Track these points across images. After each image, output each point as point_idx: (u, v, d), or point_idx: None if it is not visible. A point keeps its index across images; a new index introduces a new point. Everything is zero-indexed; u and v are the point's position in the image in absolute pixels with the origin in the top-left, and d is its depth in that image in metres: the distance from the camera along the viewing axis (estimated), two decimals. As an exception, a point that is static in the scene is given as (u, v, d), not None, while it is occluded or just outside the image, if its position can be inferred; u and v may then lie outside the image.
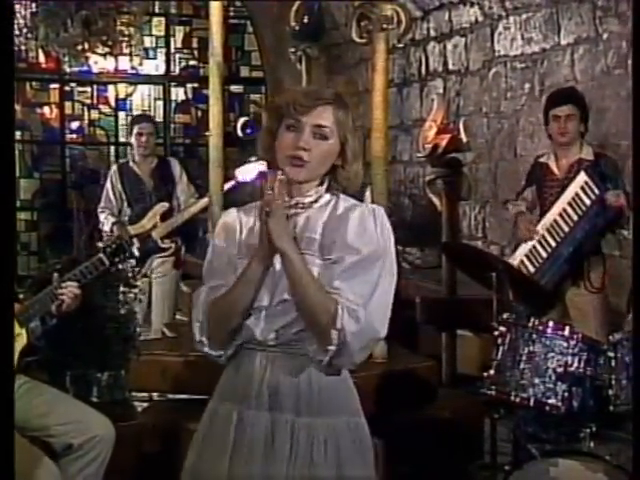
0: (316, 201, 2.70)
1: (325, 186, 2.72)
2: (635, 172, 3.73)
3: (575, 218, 5.24)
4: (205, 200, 6.65)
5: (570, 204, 5.25)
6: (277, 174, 2.54)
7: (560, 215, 5.29)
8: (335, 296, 2.52)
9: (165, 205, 7.00)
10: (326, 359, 2.54)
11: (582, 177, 5.22)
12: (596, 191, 5.15)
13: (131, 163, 7.31)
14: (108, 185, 7.27)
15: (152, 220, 6.91)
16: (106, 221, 7.09)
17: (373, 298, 2.57)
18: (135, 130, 7.21)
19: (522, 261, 5.41)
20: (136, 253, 4.05)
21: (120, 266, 4.30)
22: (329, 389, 2.67)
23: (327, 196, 2.72)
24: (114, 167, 7.59)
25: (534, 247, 5.39)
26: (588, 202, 5.18)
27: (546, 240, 5.35)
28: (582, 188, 5.20)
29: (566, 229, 5.27)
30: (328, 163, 2.68)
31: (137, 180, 7.20)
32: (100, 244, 4.09)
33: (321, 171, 2.69)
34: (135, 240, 4.06)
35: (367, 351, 2.64)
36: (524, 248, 5.45)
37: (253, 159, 6.62)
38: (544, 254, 5.35)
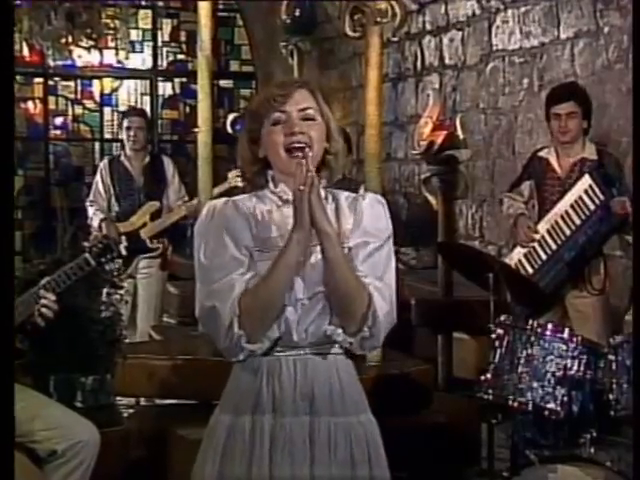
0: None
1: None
2: (635, 171, 3.74)
3: (578, 222, 5.24)
4: (196, 202, 6.66)
5: (573, 207, 5.25)
6: (306, 151, 2.58)
7: (562, 217, 5.29)
8: (363, 279, 2.58)
9: (156, 204, 7.00)
10: (357, 343, 2.61)
11: (586, 180, 5.21)
12: (601, 197, 5.15)
13: (122, 158, 7.29)
14: (98, 179, 7.27)
15: (142, 219, 6.92)
16: (94, 216, 7.08)
17: (388, 281, 2.67)
18: (125, 124, 7.22)
19: (520, 261, 5.41)
20: (123, 253, 4.04)
21: (107, 267, 4.28)
22: (355, 386, 2.76)
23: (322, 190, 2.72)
24: (105, 160, 7.59)
25: (533, 248, 5.39)
26: (592, 207, 5.18)
27: (546, 242, 5.35)
28: (586, 192, 5.20)
29: (568, 232, 5.27)
30: (322, 145, 2.73)
31: (127, 176, 7.19)
32: (86, 243, 4.08)
33: (319, 156, 2.72)
34: (123, 239, 4.06)
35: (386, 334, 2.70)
36: (521, 250, 5.46)
37: None
38: (544, 256, 5.36)
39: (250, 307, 2.58)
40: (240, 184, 6.72)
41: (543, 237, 5.37)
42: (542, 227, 5.39)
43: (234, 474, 2.68)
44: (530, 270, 5.38)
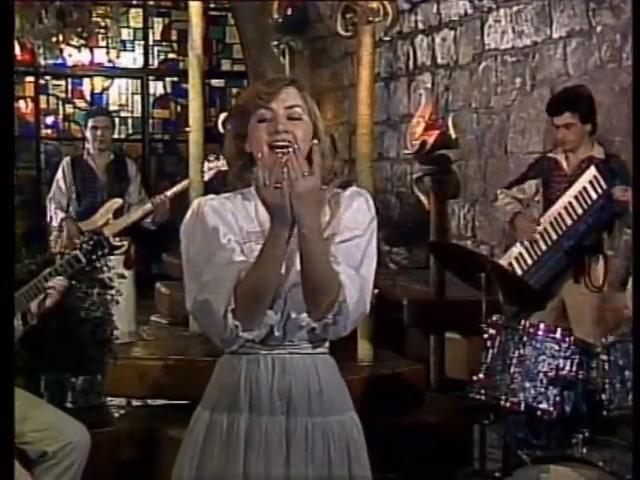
0: None
1: None
2: (635, 171, 3.74)
3: (580, 211, 5.25)
4: (156, 199, 6.68)
5: (576, 197, 5.27)
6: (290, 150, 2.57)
7: (565, 208, 5.31)
8: (335, 265, 2.58)
9: (119, 201, 6.95)
10: (320, 328, 2.59)
11: (592, 171, 5.24)
12: (604, 186, 5.17)
13: (86, 156, 7.28)
14: (59, 176, 7.23)
15: (104, 216, 6.87)
16: (55, 215, 7.05)
17: (364, 272, 2.65)
18: (90, 123, 7.19)
19: (520, 254, 5.42)
20: (115, 249, 4.01)
21: (97, 264, 4.23)
22: (336, 386, 2.75)
23: None
24: (67, 159, 7.53)
25: (535, 240, 5.40)
26: (595, 196, 5.20)
27: (548, 233, 5.37)
28: (590, 182, 5.22)
29: (569, 222, 5.29)
30: (308, 144, 2.70)
31: (91, 174, 7.18)
32: (76, 240, 4.05)
33: (304, 155, 2.66)
34: (106, 232, 4.02)
35: (356, 324, 2.68)
36: (519, 247, 5.47)
37: (211, 157, 6.59)
38: (544, 247, 5.37)
39: (242, 297, 2.59)
40: (205, 179, 6.69)
41: (545, 229, 5.38)
42: (546, 220, 5.39)
43: (211, 471, 2.69)
44: (530, 261, 5.39)
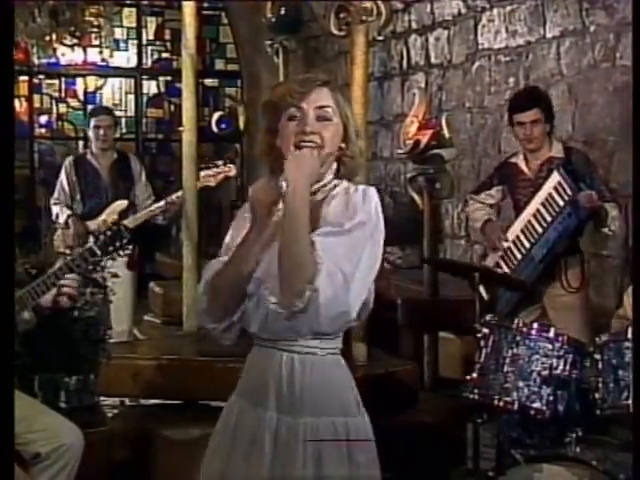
0: (328, 185, 2.77)
1: (334, 172, 2.79)
2: (635, 171, 3.74)
3: (549, 219, 5.24)
4: (165, 201, 6.66)
5: (543, 204, 5.25)
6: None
7: (534, 216, 5.30)
8: (318, 256, 2.55)
9: (124, 203, 6.96)
10: (287, 314, 2.58)
11: (555, 177, 5.21)
12: (569, 192, 5.14)
13: (89, 156, 7.27)
14: (63, 176, 7.24)
15: (110, 217, 6.86)
16: (60, 213, 7.05)
17: (354, 275, 2.59)
18: (92, 123, 7.19)
19: (497, 263, 5.42)
20: (129, 240, 3.78)
21: (115, 256, 3.97)
22: (324, 388, 2.73)
23: (338, 181, 2.78)
24: (70, 158, 7.53)
25: (509, 248, 5.40)
26: (561, 203, 5.18)
27: (520, 241, 5.36)
28: (555, 189, 5.20)
29: (540, 230, 5.28)
30: (336, 145, 2.74)
31: (94, 174, 7.17)
32: (92, 229, 3.94)
33: (332, 154, 2.74)
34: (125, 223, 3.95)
35: (334, 326, 2.66)
36: (494, 256, 5.48)
37: (219, 162, 6.60)
38: (519, 256, 5.37)
39: (210, 289, 2.69)
40: (212, 184, 6.70)
41: (518, 237, 5.38)
42: (517, 227, 5.39)
43: (217, 454, 2.80)
44: (507, 271, 5.39)
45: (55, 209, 7.16)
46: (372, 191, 2.72)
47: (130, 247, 5.89)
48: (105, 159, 7.21)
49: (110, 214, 6.87)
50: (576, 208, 5.12)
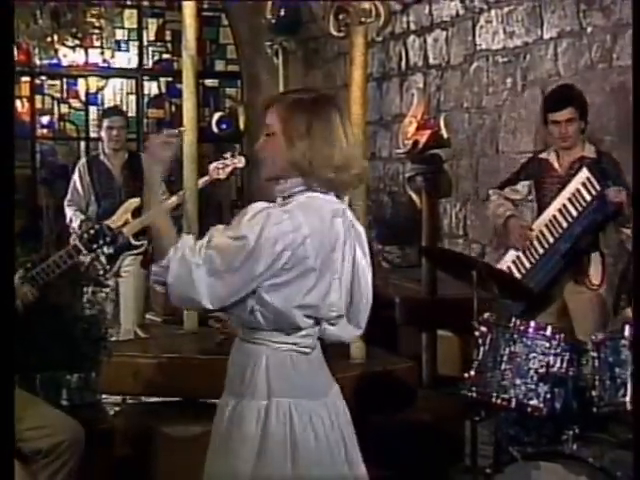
0: (286, 192, 2.91)
1: (294, 182, 2.90)
2: (635, 171, 3.73)
3: (574, 214, 5.24)
4: (174, 198, 6.65)
5: (570, 200, 5.26)
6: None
7: (559, 211, 5.30)
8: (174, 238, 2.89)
9: (137, 201, 6.95)
10: (154, 280, 2.96)
11: (584, 173, 5.22)
12: (597, 187, 5.16)
13: (102, 157, 7.28)
14: (76, 178, 7.24)
15: (123, 216, 6.86)
16: (74, 217, 7.05)
17: (219, 270, 2.77)
18: (105, 123, 7.21)
19: (518, 257, 5.41)
20: (116, 239, 4.04)
21: (99, 253, 4.23)
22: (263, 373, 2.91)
23: (300, 191, 2.91)
24: (83, 160, 7.56)
25: (531, 243, 5.38)
26: (588, 197, 5.19)
27: (544, 236, 5.35)
28: (583, 184, 5.21)
29: (565, 225, 5.27)
30: (278, 156, 2.89)
31: (107, 175, 7.19)
32: (77, 231, 4.06)
33: (276, 166, 2.90)
34: (118, 243, 4.04)
35: (185, 305, 3.23)
36: (515, 251, 5.45)
37: (227, 155, 6.61)
38: (541, 250, 5.35)
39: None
40: (222, 177, 6.74)
41: (541, 231, 5.37)
42: (541, 222, 5.38)
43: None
44: (528, 265, 5.37)
45: (69, 211, 7.16)
46: (261, 215, 2.79)
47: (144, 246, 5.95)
48: (117, 159, 7.23)
49: (123, 213, 6.88)
50: (603, 203, 5.12)
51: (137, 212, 6.90)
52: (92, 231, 3.93)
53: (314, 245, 2.80)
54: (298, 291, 2.82)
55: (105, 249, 4.10)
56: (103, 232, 3.96)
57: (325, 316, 2.95)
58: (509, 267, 5.39)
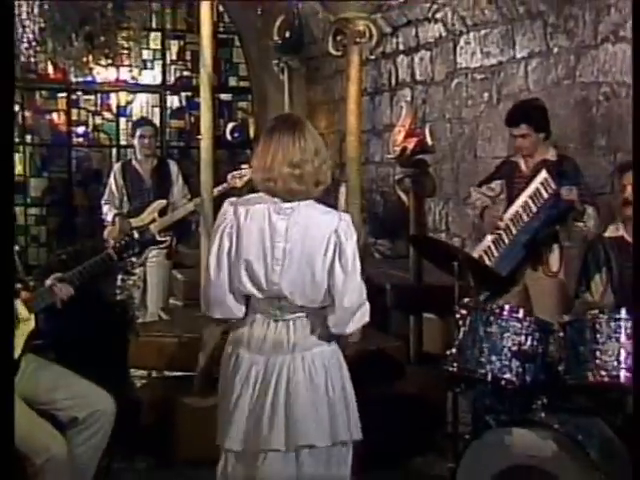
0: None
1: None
2: (635, 171, 3.71)
3: (534, 209, 5.24)
4: (197, 200, 6.66)
5: (531, 197, 5.25)
6: None
7: (522, 207, 5.30)
8: None
9: (164, 202, 7.01)
10: None
11: (543, 174, 5.22)
12: (553, 186, 5.15)
13: (134, 162, 7.32)
14: (112, 180, 7.31)
15: (151, 215, 6.91)
16: (109, 212, 7.10)
17: None
18: (138, 132, 7.25)
19: (489, 247, 5.41)
20: (158, 243, 4.12)
21: (127, 261, 4.30)
22: None
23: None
24: (118, 165, 7.60)
25: (499, 235, 5.39)
26: (546, 195, 5.18)
27: (509, 228, 5.36)
28: (542, 183, 5.20)
29: (526, 219, 5.28)
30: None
31: (138, 178, 7.22)
32: (111, 241, 4.10)
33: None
34: (136, 234, 4.06)
35: None
36: (490, 237, 5.46)
37: (245, 165, 6.60)
38: (507, 240, 5.36)
39: None
40: (239, 185, 6.74)
41: (507, 225, 5.37)
42: (507, 216, 5.38)
43: None
44: (496, 253, 5.39)
45: (105, 208, 7.23)
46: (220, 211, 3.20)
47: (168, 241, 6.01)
48: (147, 164, 7.26)
49: (151, 212, 6.93)
50: (558, 200, 5.12)
51: (163, 211, 6.94)
52: (123, 242, 3.96)
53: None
54: None
55: (134, 258, 4.18)
56: (131, 245, 3.98)
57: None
58: (481, 255, 5.39)
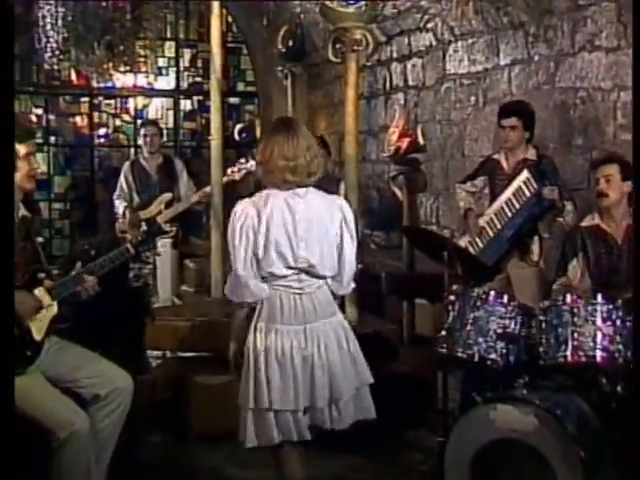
0: None
1: None
2: (635, 171, 3.68)
3: (517, 206, 5.22)
4: (200, 193, 6.70)
5: (514, 194, 5.23)
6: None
7: (506, 203, 5.28)
8: None
9: (169, 195, 7.01)
10: None
11: (525, 174, 5.19)
12: (535, 186, 5.13)
13: (141, 160, 7.36)
14: (122, 177, 7.36)
15: (158, 207, 6.92)
16: (120, 206, 7.15)
17: None
18: (142, 132, 7.33)
19: (474, 239, 5.40)
20: (166, 233, 4.17)
21: (142, 254, 4.34)
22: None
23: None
24: (127, 163, 7.65)
25: (484, 228, 5.38)
26: (528, 194, 5.16)
27: (493, 223, 5.34)
28: (524, 182, 5.18)
29: (509, 215, 5.26)
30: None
31: (145, 174, 7.26)
32: (128, 236, 4.12)
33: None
34: (144, 226, 4.08)
35: None
36: (468, 237, 5.45)
37: (242, 160, 6.60)
38: (491, 233, 5.35)
39: None
40: (237, 178, 6.71)
41: (491, 219, 5.35)
42: (491, 211, 5.36)
43: None
44: (481, 245, 5.37)
45: (116, 202, 7.29)
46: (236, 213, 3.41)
47: (174, 231, 6.00)
48: (153, 161, 7.28)
49: (158, 205, 6.93)
50: (540, 199, 5.10)
51: (169, 204, 6.94)
52: (140, 238, 4.04)
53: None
54: None
55: (148, 253, 4.26)
56: (147, 241, 4.08)
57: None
58: (466, 247, 5.37)
